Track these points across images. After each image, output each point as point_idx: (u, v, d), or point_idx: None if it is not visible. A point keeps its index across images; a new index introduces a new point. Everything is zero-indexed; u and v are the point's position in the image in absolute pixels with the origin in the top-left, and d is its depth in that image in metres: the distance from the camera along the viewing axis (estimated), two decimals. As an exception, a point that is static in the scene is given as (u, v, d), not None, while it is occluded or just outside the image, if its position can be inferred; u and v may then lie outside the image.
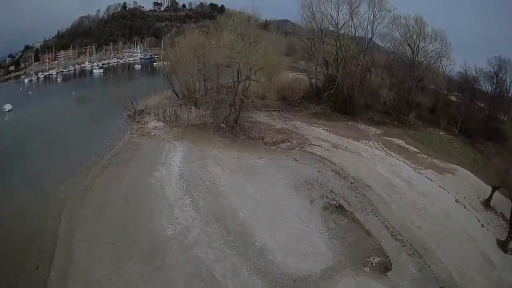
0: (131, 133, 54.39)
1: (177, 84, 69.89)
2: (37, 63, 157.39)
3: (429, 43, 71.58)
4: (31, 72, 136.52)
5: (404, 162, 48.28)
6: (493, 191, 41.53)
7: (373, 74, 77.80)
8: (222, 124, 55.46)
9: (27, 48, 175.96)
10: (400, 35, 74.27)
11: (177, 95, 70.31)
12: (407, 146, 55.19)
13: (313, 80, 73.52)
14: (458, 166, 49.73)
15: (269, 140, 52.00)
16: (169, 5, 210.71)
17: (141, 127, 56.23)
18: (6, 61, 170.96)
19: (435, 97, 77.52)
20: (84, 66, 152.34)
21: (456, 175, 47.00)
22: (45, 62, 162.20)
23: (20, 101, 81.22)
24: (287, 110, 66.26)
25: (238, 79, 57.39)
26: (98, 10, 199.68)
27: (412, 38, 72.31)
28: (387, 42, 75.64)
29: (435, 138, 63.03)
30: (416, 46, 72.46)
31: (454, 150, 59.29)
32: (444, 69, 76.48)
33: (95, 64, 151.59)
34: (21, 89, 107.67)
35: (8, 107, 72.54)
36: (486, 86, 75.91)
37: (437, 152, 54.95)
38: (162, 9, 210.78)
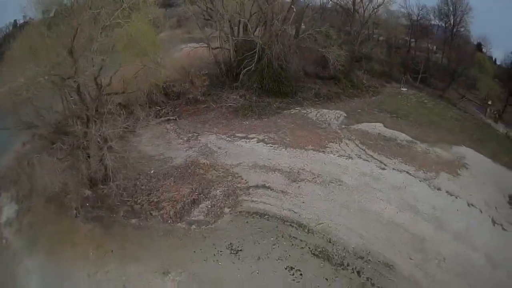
0: None
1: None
2: None
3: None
4: None
5: (408, 173, 30.85)
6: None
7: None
8: (86, 191, 28.22)
9: None
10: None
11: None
12: (390, 132, 37.59)
13: (218, 54, 48.55)
14: (460, 148, 36.59)
15: (169, 209, 25.62)
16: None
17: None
18: None
19: (386, 45, 63.12)
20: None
21: (469, 168, 33.05)
22: None
23: None
24: (189, 113, 40.23)
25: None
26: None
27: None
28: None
29: (404, 103, 48.21)
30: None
31: (435, 115, 45.13)
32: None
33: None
34: None
35: None
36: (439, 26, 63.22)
37: (424, 128, 40.07)
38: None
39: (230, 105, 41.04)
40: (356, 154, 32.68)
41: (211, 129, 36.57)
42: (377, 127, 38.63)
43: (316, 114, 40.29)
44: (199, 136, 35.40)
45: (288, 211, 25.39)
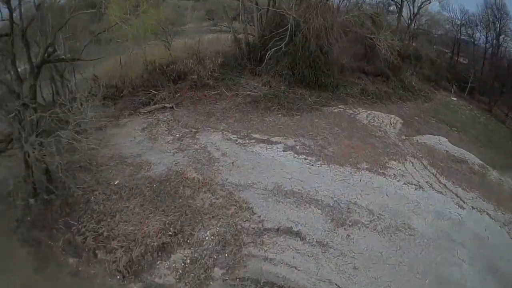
0: None
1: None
2: None
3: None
4: None
5: (488, 213, 21.52)
6: None
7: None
8: (30, 200, 19.20)
9: None
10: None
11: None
12: (458, 152, 28.20)
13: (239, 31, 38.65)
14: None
15: (121, 255, 14.88)
16: None
17: None
18: None
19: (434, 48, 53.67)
20: None
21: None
22: None
23: None
24: (191, 101, 29.00)
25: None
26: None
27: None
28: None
29: (459, 114, 40.09)
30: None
31: (491, 133, 37.43)
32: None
33: None
34: None
35: None
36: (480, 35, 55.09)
37: (486, 148, 31.70)
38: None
39: (248, 94, 29.60)
40: (427, 182, 21.78)
41: (217, 125, 25.22)
42: (442, 142, 29.07)
43: (367, 117, 29.44)
44: (197, 133, 24.12)
45: (329, 284, 14.22)
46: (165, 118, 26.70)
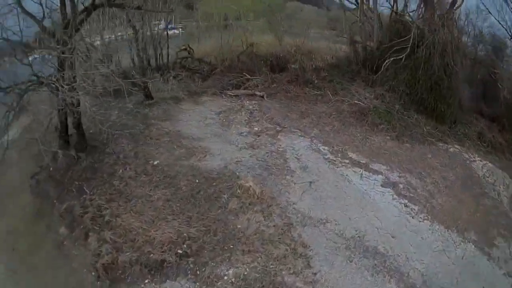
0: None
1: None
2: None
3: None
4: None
5: None
6: None
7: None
8: (58, 151, 16.97)
9: None
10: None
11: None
12: None
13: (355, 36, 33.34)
14: None
15: (106, 252, 11.69)
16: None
17: None
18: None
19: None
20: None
21: None
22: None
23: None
24: (288, 96, 24.58)
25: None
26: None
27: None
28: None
29: None
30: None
31: None
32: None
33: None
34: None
35: None
36: None
37: None
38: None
39: (356, 103, 24.09)
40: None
41: (308, 129, 20.10)
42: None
43: (482, 168, 22.18)
44: (280, 133, 19.19)
45: None
46: (250, 107, 22.34)
